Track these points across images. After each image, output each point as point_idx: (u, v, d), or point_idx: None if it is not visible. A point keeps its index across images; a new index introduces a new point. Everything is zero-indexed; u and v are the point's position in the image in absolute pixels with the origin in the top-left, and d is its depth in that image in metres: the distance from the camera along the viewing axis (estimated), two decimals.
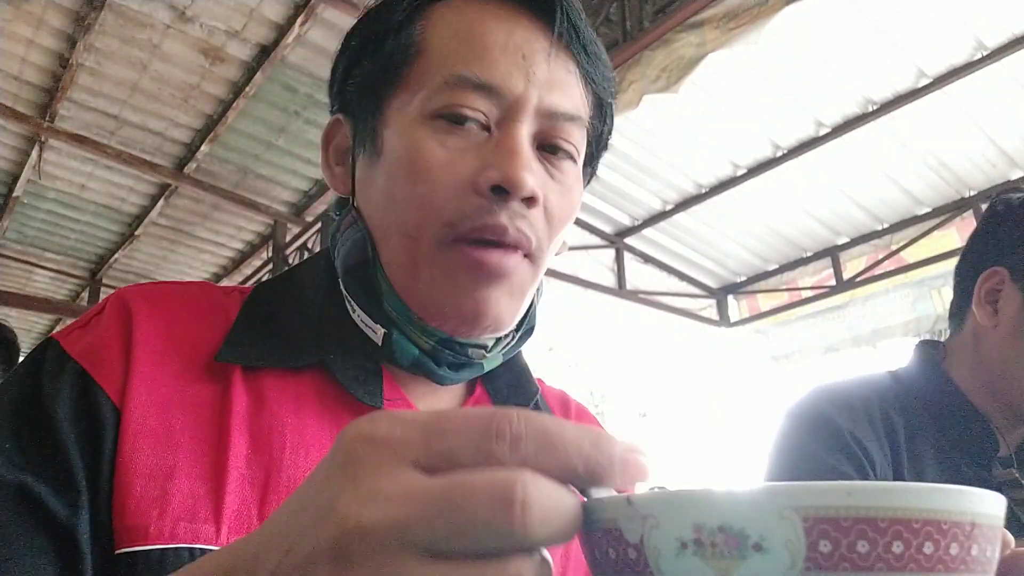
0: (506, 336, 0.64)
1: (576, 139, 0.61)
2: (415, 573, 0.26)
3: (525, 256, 0.58)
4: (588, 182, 0.70)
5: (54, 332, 0.58)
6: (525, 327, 0.66)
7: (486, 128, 0.57)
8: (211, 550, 0.46)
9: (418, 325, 0.59)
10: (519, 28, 0.58)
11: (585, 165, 0.66)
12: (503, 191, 0.54)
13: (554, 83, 0.58)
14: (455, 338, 0.59)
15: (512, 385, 0.70)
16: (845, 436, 0.94)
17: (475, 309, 0.57)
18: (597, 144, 0.67)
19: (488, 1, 0.59)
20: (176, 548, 0.47)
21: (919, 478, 0.96)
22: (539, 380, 0.75)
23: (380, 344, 0.59)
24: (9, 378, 0.54)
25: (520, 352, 0.71)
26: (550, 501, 0.27)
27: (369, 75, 0.61)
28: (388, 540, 0.26)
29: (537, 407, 0.70)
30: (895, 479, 0.96)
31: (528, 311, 0.65)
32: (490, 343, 0.62)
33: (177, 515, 0.47)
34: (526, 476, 0.26)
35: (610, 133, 0.68)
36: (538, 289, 0.65)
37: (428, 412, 0.29)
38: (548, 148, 0.60)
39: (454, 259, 0.56)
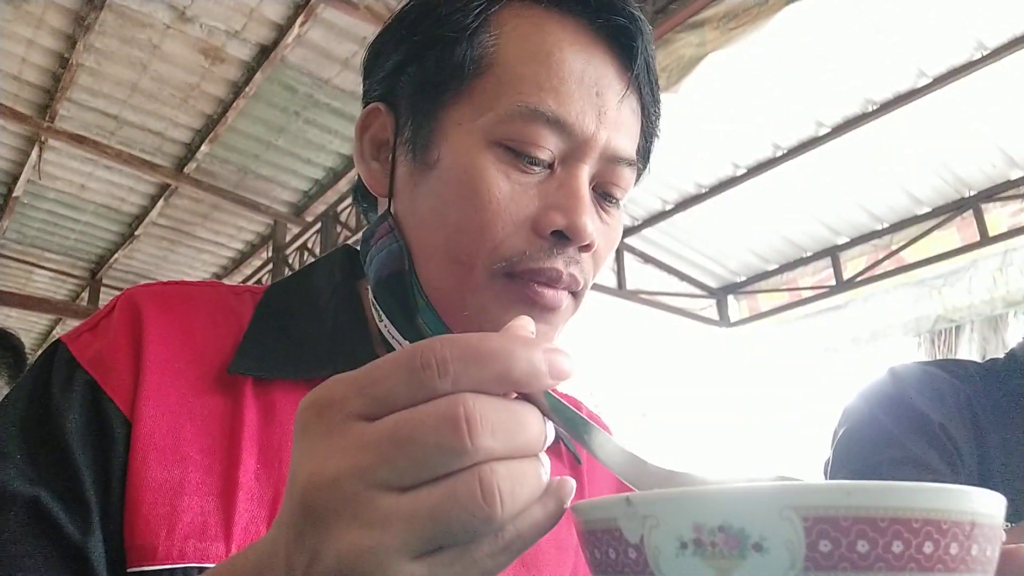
0: None
1: (629, 183, 0.60)
2: (391, 509, 0.27)
3: (571, 294, 0.57)
4: None
5: (62, 335, 0.56)
6: None
7: (550, 165, 0.55)
8: None
9: None
10: (595, 59, 0.56)
11: None
12: (563, 236, 0.54)
13: (621, 124, 0.57)
14: None
15: None
16: (933, 426, 0.88)
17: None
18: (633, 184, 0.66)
19: (565, 19, 0.56)
20: (185, 568, 0.46)
21: (1007, 471, 0.89)
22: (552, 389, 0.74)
23: None
24: (19, 386, 0.53)
25: None
26: (495, 412, 0.28)
27: (430, 76, 0.57)
28: (354, 487, 0.27)
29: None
30: (980, 473, 0.89)
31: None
32: None
33: (186, 533, 0.47)
34: (465, 395, 0.28)
35: (646, 174, 0.67)
36: None
37: (364, 366, 0.30)
38: (602, 193, 0.59)
39: (508, 291, 0.54)
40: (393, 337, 0.59)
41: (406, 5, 0.61)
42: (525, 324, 0.33)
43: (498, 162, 0.53)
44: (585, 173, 0.55)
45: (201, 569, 0.46)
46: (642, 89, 0.59)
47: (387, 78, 0.61)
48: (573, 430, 0.32)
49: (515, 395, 0.31)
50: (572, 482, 0.31)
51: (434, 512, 0.27)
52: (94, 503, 0.46)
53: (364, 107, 0.63)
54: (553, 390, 0.32)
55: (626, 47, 0.57)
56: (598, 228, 0.57)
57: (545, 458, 0.30)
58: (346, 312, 0.61)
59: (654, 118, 0.62)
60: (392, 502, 0.27)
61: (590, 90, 0.55)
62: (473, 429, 0.27)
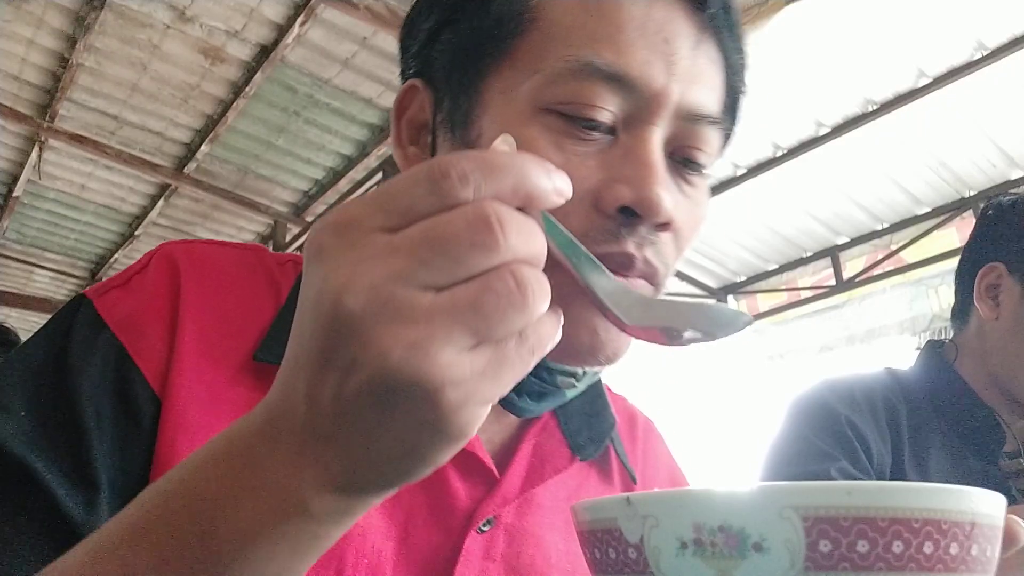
0: None
1: (714, 146, 0.51)
2: (432, 305, 0.27)
3: (650, 284, 0.49)
4: None
5: (87, 289, 0.50)
6: None
7: (613, 127, 0.47)
8: None
9: None
10: (658, 2, 0.47)
11: None
12: (632, 213, 0.46)
13: (697, 76, 0.48)
14: (546, 362, 0.52)
15: (588, 409, 0.62)
16: (840, 422, 0.97)
17: (592, 342, 0.48)
18: (721, 148, 0.55)
19: None
20: None
21: (923, 469, 0.98)
22: (606, 386, 0.68)
23: None
24: (32, 340, 0.48)
25: (600, 380, 0.64)
26: (516, 216, 0.29)
27: (466, 41, 0.50)
28: (392, 289, 0.27)
29: (613, 444, 0.65)
30: (895, 467, 0.98)
31: None
32: (581, 371, 0.56)
33: None
34: (492, 201, 0.28)
35: (734, 135, 0.57)
36: None
37: (378, 186, 0.30)
38: (682, 159, 0.50)
39: (568, 283, 0.50)
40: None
41: None
42: (507, 140, 0.33)
43: (549, 131, 0.46)
44: (656, 136, 0.47)
45: None
46: (721, 32, 0.50)
47: (422, 50, 0.54)
48: (565, 251, 0.34)
49: None
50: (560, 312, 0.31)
51: (475, 304, 0.27)
52: (103, 481, 0.42)
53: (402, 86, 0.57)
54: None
55: None
56: (678, 202, 0.48)
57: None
58: None
59: (739, 68, 0.53)
60: (432, 299, 0.27)
61: (655, 36, 0.46)
62: (505, 227, 0.28)
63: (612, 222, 0.46)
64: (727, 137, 0.55)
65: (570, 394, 0.58)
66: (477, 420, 0.29)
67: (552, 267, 0.31)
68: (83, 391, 0.43)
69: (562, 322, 0.31)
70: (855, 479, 0.91)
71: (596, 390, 0.64)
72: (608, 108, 0.46)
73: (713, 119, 0.50)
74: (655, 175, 0.46)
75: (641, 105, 0.47)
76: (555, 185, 0.31)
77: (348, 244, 0.28)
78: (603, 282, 0.35)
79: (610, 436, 0.63)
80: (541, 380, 0.54)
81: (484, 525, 0.53)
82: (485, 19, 0.49)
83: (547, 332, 0.30)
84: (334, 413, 0.28)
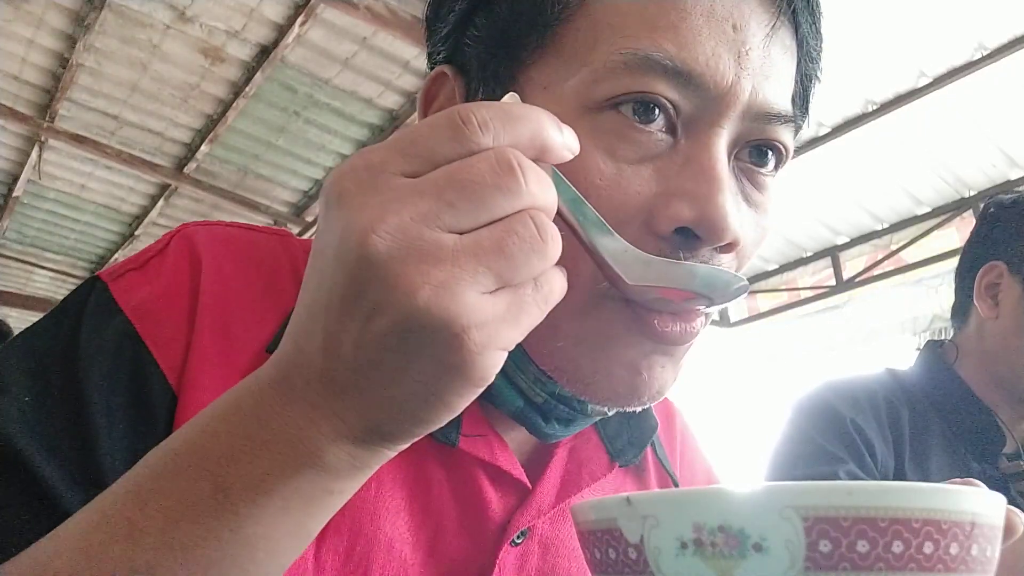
0: None
1: (786, 147, 0.45)
2: (458, 246, 0.27)
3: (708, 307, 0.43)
4: None
5: (101, 271, 0.46)
6: None
7: (671, 130, 0.41)
8: None
9: (533, 376, 0.46)
10: None
11: None
12: (692, 234, 0.40)
13: (770, 69, 0.42)
14: (578, 396, 0.46)
15: (625, 416, 0.57)
16: (845, 423, 0.97)
17: (633, 383, 0.43)
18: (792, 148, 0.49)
19: None
20: None
21: (923, 470, 0.99)
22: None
23: None
24: (41, 322, 0.44)
25: None
26: (535, 167, 0.29)
27: (504, 27, 0.44)
28: (419, 230, 0.27)
29: (652, 446, 0.62)
30: (896, 469, 0.98)
31: None
32: None
33: None
34: (513, 148, 0.29)
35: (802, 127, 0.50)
36: None
37: (397, 133, 0.30)
38: (750, 154, 0.44)
39: (615, 317, 0.41)
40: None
41: None
42: (514, 96, 0.34)
43: (598, 134, 0.40)
44: (722, 141, 0.41)
45: None
46: (799, 16, 0.44)
47: (452, 34, 0.48)
48: (571, 207, 0.34)
49: None
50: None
51: (499, 246, 0.28)
52: (109, 478, 0.37)
53: (429, 72, 0.51)
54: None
55: None
56: (743, 217, 0.43)
57: None
58: None
59: (816, 54, 0.47)
60: (458, 240, 0.27)
61: (723, 24, 0.41)
62: (527, 173, 0.28)
63: (668, 244, 0.40)
64: (797, 132, 0.48)
65: (599, 418, 0.52)
66: (497, 364, 0.29)
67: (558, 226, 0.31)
68: (92, 379, 0.40)
69: (566, 276, 0.32)
70: (861, 481, 0.91)
71: None
72: (668, 108, 0.41)
73: (786, 116, 0.43)
74: (720, 189, 0.39)
75: (706, 105, 0.41)
76: (566, 140, 0.32)
77: (371, 188, 0.28)
78: (606, 241, 0.35)
79: (651, 440, 0.59)
80: (571, 408, 0.49)
81: (518, 537, 0.50)
82: (526, 3, 0.44)
83: (558, 282, 0.31)
84: (355, 360, 0.28)
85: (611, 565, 0.29)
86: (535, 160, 0.30)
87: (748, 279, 0.42)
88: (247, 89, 3.83)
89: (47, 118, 4.08)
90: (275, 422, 0.30)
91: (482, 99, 0.48)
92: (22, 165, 4.58)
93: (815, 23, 0.46)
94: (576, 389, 0.45)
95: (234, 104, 3.95)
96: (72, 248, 5.71)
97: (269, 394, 0.30)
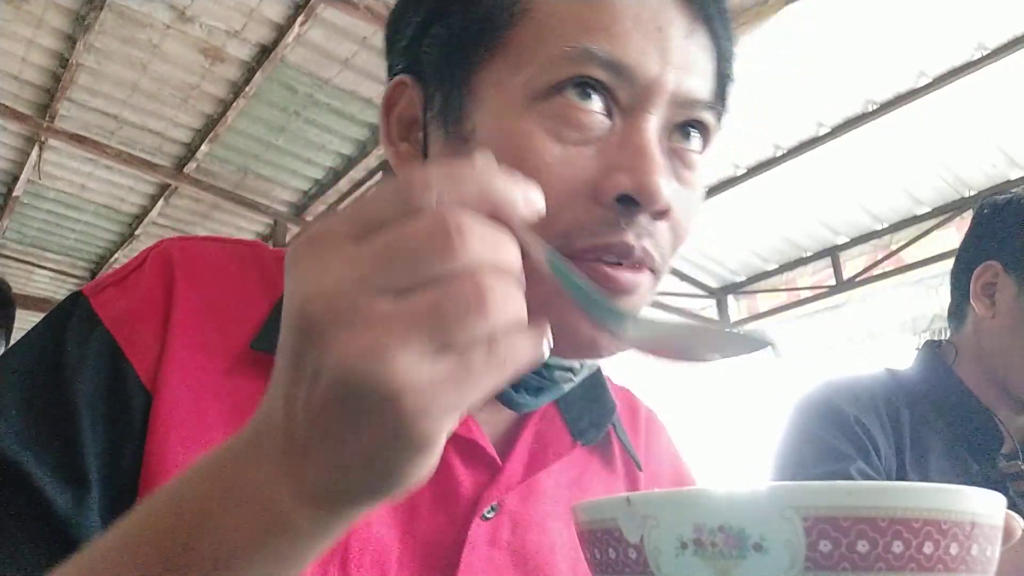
0: None
1: (709, 131, 0.52)
2: (390, 310, 0.27)
3: (650, 271, 0.49)
4: None
5: (84, 286, 0.50)
6: None
7: (609, 115, 0.47)
8: None
9: None
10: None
11: None
12: (632, 202, 0.46)
13: (690, 64, 0.49)
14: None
15: (588, 395, 0.62)
16: (850, 420, 0.97)
17: (593, 333, 0.48)
18: (714, 135, 0.56)
19: None
20: None
21: (923, 470, 0.99)
22: (607, 378, 0.68)
23: None
24: (28, 336, 0.48)
25: (600, 369, 0.65)
26: (481, 225, 0.28)
27: (457, 34, 0.50)
28: (352, 295, 0.27)
29: (615, 430, 0.65)
30: (898, 467, 0.99)
31: None
32: (579, 364, 0.57)
33: None
34: (453, 209, 0.28)
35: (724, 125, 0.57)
36: None
37: None
38: (679, 136, 0.51)
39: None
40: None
41: None
42: (488, 156, 0.33)
43: (545, 120, 0.46)
44: (652, 124, 0.47)
45: None
46: (712, 21, 0.51)
47: (410, 45, 0.54)
48: (573, 293, 0.33)
49: None
50: (547, 325, 0.31)
51: (432, 309, 0.27)
52: (94, 480, 0.42)
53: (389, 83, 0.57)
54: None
55: None
56: (675, 190, 0.48)
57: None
58: None
59: (729, 55, 0.53)
60: (391, 305, 0.27)
61: (649, 25, 0.47)
62: (463, 234, 0.27)
63: (611, 212, 0.46)
64: (719, 123, 0.55)
65: (568, 387, 0.58)
66: (441, 429, 0.28)
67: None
68: (78, 389, 0.44)
69: (547, 336, 0.30)
70: (872, 479, 0.91)
71: (595, 379, 0.64)
72: (604, 92, 0.47)
73: (708, 103, 0.50)
74: (653, 162, 0.46)
75: (637, 93, 0.47)
76: (525, 195, 0.31)
77: (317, 253, 0.29)
78: (582, 291, 0.34)
79: (611, 420, 0.63)
80: (539, 376, 0.54)
81: (488, 512, 0.53)
82: (476, 11, 0.49)
83: (523, 346, 0.29)
84: (306, 423, 0.28)
85: (611, 565, 0.29)
86: (501, 220, 0.30)
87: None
88: (247, 89, 3.83)
89: (47, 118, 4.08)
90: (246, 482, 0.30)
91: (440, 102, 0.52)
92: (22, 165, 4.58)
93: (727, 28, 0.53)
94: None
95: (234, 104, 3.95)
96: (72, 248, 5.71)
97: (244, 454, 0.31)
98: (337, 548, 0.46)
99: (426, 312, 0.27)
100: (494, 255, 0.29)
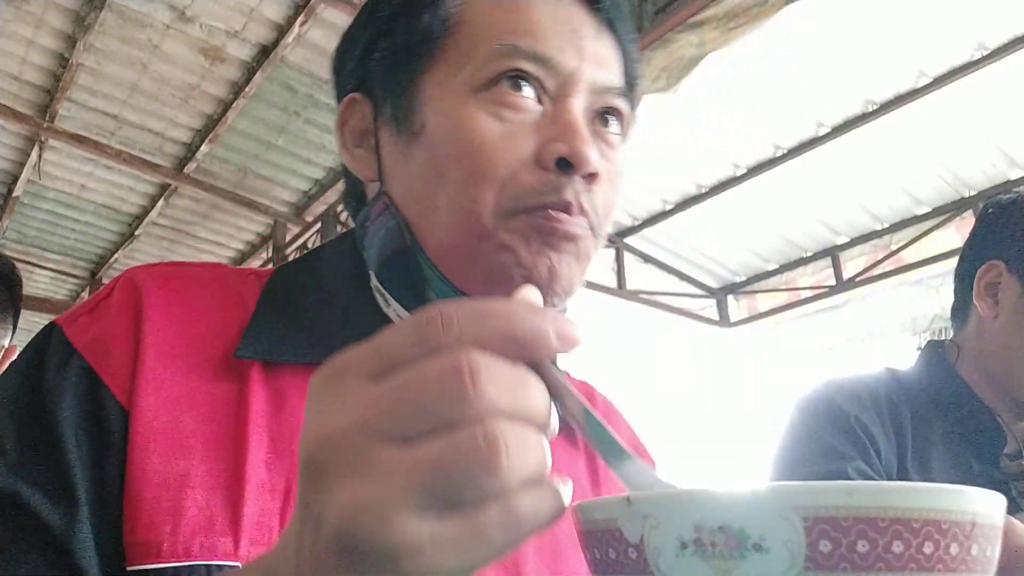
0: None
1: (624, 115, 0.59)
2: (392, 461, 0.26)
3: (589, 227, 0.56)
4: None
5: (58, 317, 0.53)
6: None
7: (540, 101, 0.54)
8: (228, 566, 0.44)
9: None
10: (562, 9, 0.57)
11: None
12: (568, 165, 0.52)
13: (601, 59, 0.57)
14: None
15: None
16: (850, 420, 0.97)
17: (549, 273, 0.53)
18: (629, 122, 0.64)
19: None
20: (192, 566, 0.44)
21: (925, 470, 0.99)
22: (564, 373, 0.72)
23: None
24: (10, 368, 0.51)
25: None
26: (500, 369, 0.27)
27: (401, 48, 0.57)
28: (355, 439, 0.26)
29: None
30: (899, 467, 0.98)
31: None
32: None
33: (192, 529, 0.44)
34: (469, 350, 0.27)
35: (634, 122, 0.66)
36: None
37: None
38: (600, 120, 0.58)
39: (523, 225, 0.53)
40: (401, 319, 0.56)
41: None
42: (531, 292, 0.32)
43: (487, 105, 0.53)
44: (578, 106, 0.55)
45: (208, 567, 0.44)
46: (615, 24, 0.59)
47: (358, 65, 0.61)
48: (578, 420, 0.30)
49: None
50: (570, 482, 0.30)
51: (436, 462, 0.25)
52: (83, 497, 0.44)
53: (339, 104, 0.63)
54: (567, 376, 0.31)
55: None
56: (601, 163, 0.55)
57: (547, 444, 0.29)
58: (358, 296, 0.59)
59: (633, 57, 0.61)
60: (393, 454, 0.26)
61: (564, 27, 0.55)
62: (476, 378, 0.26)
63: (552, 175, 0.52)
64: (632, 111, 0.62)
65: None
66: None
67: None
68: (60, 414, 0.46)
69: (570, 495, 0.29)
70: (871, 479, 0.91)
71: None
72: (533, 82, 0.54)
73: (620, 90, 0.58)
74: (582, 133, 0.53)
75: (560, 82, 0.54)
76: (559, 329, 0.29)
77: (333, 392, 0.28)
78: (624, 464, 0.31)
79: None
80: None
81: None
82: (416, 26, 0.56)
83: (542, 503, 0.27)
84: (311, 566, 0.28)
85: (611, 565, 0.29)
86: (528, 360, 0.28)
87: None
88: (247, 89, 3.83)
89: (47, 118, 4.08)
90: None
91: (390, 108, 0.58)
92: (22, 165, 4.58)
93: (628, 33, 0.61)
94: (503, 294, 0.50)
95: (234, 104, 3.96)
96: (72, 248, 5.71)
97: None
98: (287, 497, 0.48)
99: (430, 464, 0.25)
100: (512, 401, 0.27)
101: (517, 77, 0.53)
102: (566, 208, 0.53)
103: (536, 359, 0.29)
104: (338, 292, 0.59)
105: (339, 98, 0.64)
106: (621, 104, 0.59)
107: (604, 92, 0.57)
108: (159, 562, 0.43)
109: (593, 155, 0.53)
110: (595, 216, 0.55)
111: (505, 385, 0.27)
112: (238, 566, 0.44)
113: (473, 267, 0.54)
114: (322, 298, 0.58)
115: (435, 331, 0.27)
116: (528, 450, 0.26)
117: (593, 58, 0.56)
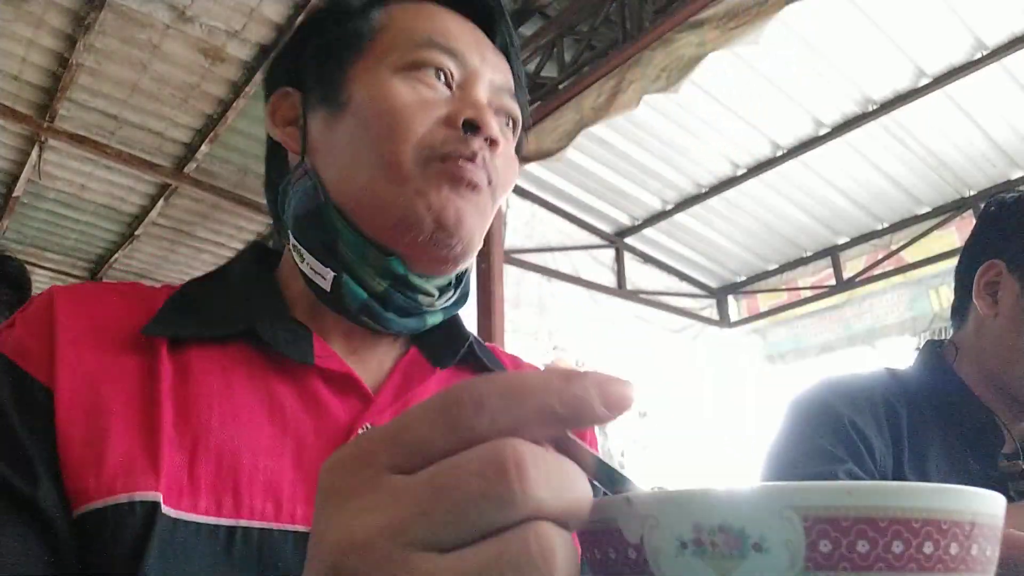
0: (447, 290, 0.67)
1: (517, 114, 0.70)
2: (429, 573, 0.23)
3: (488, 182, 0.63)
4: None
5: None
6: (461, 291, 0.69)
7: (449, 86, 0.64)
8: (151, 499, 0.48)
9: (374, 264, 0.62)
10: (468, 24, 0.68)
11: None
12: (475, 127, 0.61)
13: (497, 66, 0.68)
14: (410, 277, 0.62)
15: (445, 336, 0.71)
16: (843, 422, 0.97)
17: (455, 218, 0.60)
18: (521, 125, 0.74)
19: (438, 7, 0.68)
20: (116, 503, 0.48)
21: (922, 470, 0.98)
22: (491, 346, 0.77)
23: (329, 290, 0.61)
24: None
25: (458, 315, 0.73)
26: (545, 460, 0.24)
27: (333, 43, 0.66)
28: (388, 548, 0.24)
29: (472, 350, 0.72)
30: (895, 468, 0.98)
31: (463, 278, 0.70)
32: (437, 292, 0.65)
33: (114, 472, 0.49)
34: (512, 439, 0.24)
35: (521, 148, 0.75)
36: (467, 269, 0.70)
37: (396, 417, 0.27)
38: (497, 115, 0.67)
39: (438, 172, 0.60)
40: (315, 272, 0.62)
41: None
42: (562, 362, 0.30)
43: (406, 81, 0.62)
44: (483, 90, 0.65)
45: (131, 502, 0.48)
46: (507, 49, 0.71)
47: (292, 62, 0.69)
48: (596, 475, 0.29)
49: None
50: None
51: (482, 574, 0.23)
52: (35, 458, 0.49)
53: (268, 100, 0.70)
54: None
55: (491, 27, 0.70)
56: (500, 138, 0.63)
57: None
58: (258, 279, 0.66)
59: (520, 74, 0.72)
60: (431, 565, 0.23)
61: (469, 37, 0.66)
62: (523, 475, 0.23)
63: (460, 133, 0.61)
64: (522, 119, 0.72)
65: (430, 320, 0.67)
66: None
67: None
68: (5, 409, 0.52)
69: None
70: (861, 481, 0.91)
71: (452, 320, 0.72)
72: (445, 73, 0.64)
73: (512, 92, 0.69)
74: (485, 106, 0.63)
75: (467, 73, 0.65)
76: (602, 391, 0.26)
77: (354, 488, 0.25)
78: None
79: (467, 344, 0.71)
80: (406, 296, 0.63)
81: (362, 432, 0.58)
82: (346, 28, 0.66)
83: None
84: None
85: (611, 565, 0.29)
86: (558, 437, 0.26)
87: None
88: (247, 89, 3.83)
89: (47, 118, 4.08)
90: None
91: (320, 92, 0.66)
92: (22, 165, 4.58)
93: (518, 58, 0.72)
94: (413, 233, 0.60)
95: (234, 104, 3.95)
96: (72, 248, 5.71)
97: None
98: (228, 478, 0.52)
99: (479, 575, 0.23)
100: (560, 500, 0.24)
101: (432, 68, 0.63)
102: (472, 158, 0.61)
103: (580, 428, 0.26)
104: (241, 280, 0.66)
105: (268, 96, 0.71)
106: (513, 107, 0.69)
107: (500, 90, 0.67)
108: (88, 504, 0.48)
109: (495, 123, 0.62)
110: (496, 176, 0.64)
111: (554, 478, 0.24)
112: (159, 497, 0.48)
113: (386, 215, 0.61)
114: (225, 287, 0.65)
115: (466, 416, 0.25)
116: (571, 552, 0.25)
117: (492, 63, 0.67)
